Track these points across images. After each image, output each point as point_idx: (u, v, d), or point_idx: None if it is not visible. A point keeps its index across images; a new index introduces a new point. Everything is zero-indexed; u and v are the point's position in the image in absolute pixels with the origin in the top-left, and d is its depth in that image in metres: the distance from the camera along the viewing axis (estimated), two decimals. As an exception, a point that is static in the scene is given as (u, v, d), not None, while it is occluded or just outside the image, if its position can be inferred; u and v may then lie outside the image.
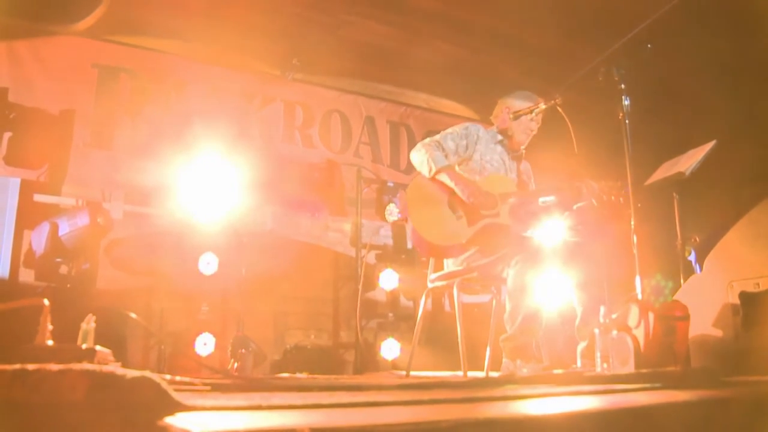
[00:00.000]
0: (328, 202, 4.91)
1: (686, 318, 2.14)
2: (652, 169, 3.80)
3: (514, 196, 2.96)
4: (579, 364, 2.62)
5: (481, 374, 2.74)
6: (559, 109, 2.90)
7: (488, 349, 2.77)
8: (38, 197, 4.02)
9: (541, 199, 3.05)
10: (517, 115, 3.04)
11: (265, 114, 4.86)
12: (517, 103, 3.09)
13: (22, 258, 3.74)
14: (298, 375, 3.42)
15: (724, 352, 2.60)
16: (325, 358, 4.37)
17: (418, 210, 2.94)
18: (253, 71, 4.85)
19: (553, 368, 2.69)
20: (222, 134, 4.38)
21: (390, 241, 4.86)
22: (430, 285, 3.12)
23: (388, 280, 4.54)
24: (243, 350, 3.68)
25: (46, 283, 3.40)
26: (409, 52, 4.66)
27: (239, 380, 2.06)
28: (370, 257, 4.67)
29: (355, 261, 4.57)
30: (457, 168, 3.02)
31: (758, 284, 2.58)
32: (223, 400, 1.12)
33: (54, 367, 0.86)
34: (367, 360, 4.32)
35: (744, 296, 2.62)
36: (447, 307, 4.65)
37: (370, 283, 4.54)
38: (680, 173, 3.48)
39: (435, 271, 3.13)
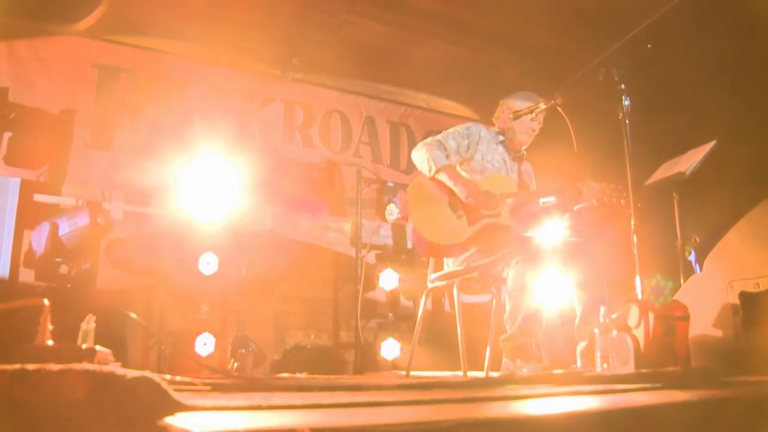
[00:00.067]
0: (328, 202, 4.91)
1: (686, 318, 2.14)
2: (652, 169, 3.80)
3: (515, 196, 2.96)
4: (579, 364, 2.62)
5: (481, 374, 2.74)
6: (559, 109, 2.90)
7: (488, 349, 2.77)
8: (38, 197, 4.02)
9: (541, 200, 3.05)
10: (517, 115, 3.04)
11: (265, 114, 4.86)
12: (518, 104, 3.09)
13: (22, 258, 3.74)
14: (298, 375, 3.42)
15: (724, 352, 2.60)
16: (325, 358, 4.37)
17: (418, 209, 2.95)
18: (253, 71, 4.85)
19: (553, 368, 2.69)
20: (222, 134, 4.39)
21: (390, 241, 4.86)
22: (430, 285, 3.12)
23: (388, 280, 4.54)
24: (243, 350, 3.68)
25: (46, 283, 3.40)
26: (409, 52, 4.66)
27: (239, 380, 2.06)
28: (370, 257, 4.67)
29: (355, 261, 4.57)
30: (458, 168, 3.02)
31: (758, 284, 2.58)
32: (223, 400, 1.12)
33: (54, 367, 0.86)
34: (367, 360, 4.32)
35: (744, 296, 2.62)
36: (447, 307, 4.65)
37: (370, 283, 4.55)
38: (680, 173, 3.49)
39: (435, 271, 3.13)
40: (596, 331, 2.19)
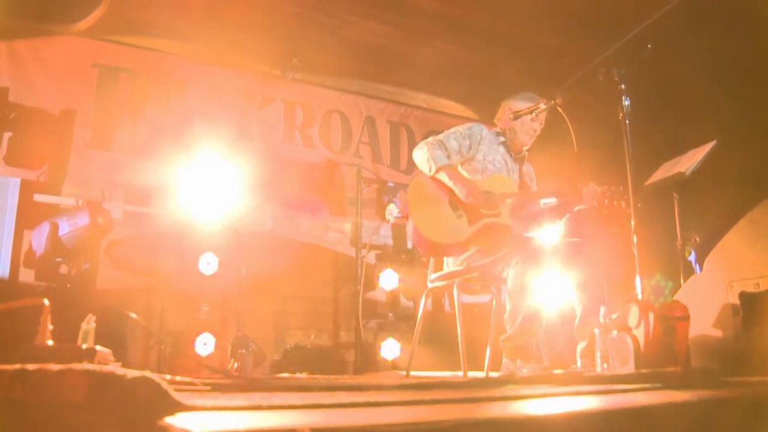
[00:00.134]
0: (328, 202, 4.91)
1: (686, 318, 2.14)
2: (652, 169, 3.80)
3: (516, 196, 2.96)
4: (579, 364, 2.62)
5: (481, 374, 2.74)
6: (559, 110, 2.90)
7: (488, 349, 2.77)
8: (38, 197, 4.03)
9: (542, 201, 3.05)
10: (517, 115, 3.04)
11: (265, 114, 4.86)
12: (518, 104, 3.09)
13: (22, 258, 3.74)
14: (298, 375, 3.42)
15: (724, 353, 2.60)
16: (325, 358, 4.37)
17: (418, 208, 2.95)
18: (253, 71, 4.85)
19: (553, 368, 2.69)
20: (222, 134, 4.39)
21: (390, 241, 4.86)
22: (430, 285, 3.12)
23: (388, 280, 4.54)
24: (243, 350, 3.68)
25: (46, 283, 3.40)
26: (409, 52, 4.66)
27: (239, 380, 2.06)
28: (370, 257, 4.67)
29: (355, 261, 4.57)
30: (459, 167, 3.02)
31: (758, 284, 2.58)
32: (223, 400, 1.12)
33: (54, 367, 0.86)
34: (367, 360, 4.32)
35: (744, 296, 2.63)
36: (447, 307, 4.65)
37: (370, 283, 4.55)
38: (680, 173, 3.49)
39: (435, 271, 3.13)
40: (596, 331, 2.19)
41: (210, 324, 3.90)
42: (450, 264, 3.06)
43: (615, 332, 2.12)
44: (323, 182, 4.92)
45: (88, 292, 3.48)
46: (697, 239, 3.89)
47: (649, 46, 3.48)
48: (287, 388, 1.65)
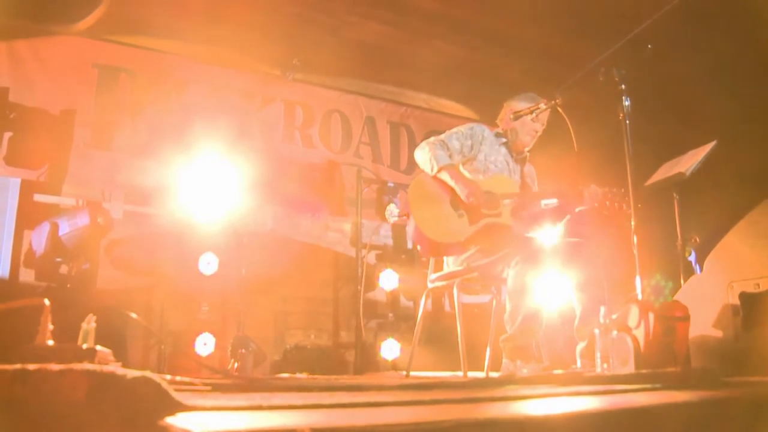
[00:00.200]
0: (328, 202, 4.91)
1: (686, 318, 2.14)
2: (652, 170, 3.80)
3: (516, 197, 2.97)
4: (578, 364, 2.62)
5: (481, 374, 2.74)
6: (559, 110, 2.91)
7: (488, 349, 2.77)
8: (38, 197, 4.02)
9: (543, 202, 3.05)
10: (517, 116, 3.04)
11: (265, 114, 4.86)
12: (519, 105, 3.10)
13: (22, 258, 3.73)
14: (298, 375, 3.42)
15: (724, 353, 2.60)
16: (325, 359, 4.37)
17: (420, 207, 2.95)
18: (253, 71, 4.85)
19: (554, 369, 2.69)
20: (222, 134, 4.38)
21: (390, 242, 4.86)
22: (430, 285, 3.12)
23: (388, 280, 4.54)
24: (243, 350, 3.68)
25: (46, 283, 3.39)
26: (409, 52, 4.66)
27: (239, 380, 2.06)
28: (370, 257, 4.67)
29: (355, 261, 4.57)
30: (461, 167, 3.03)
31: (758, 285, 2.58)
32: (223, 400, 1.12)
33: (55, 367, 0.86)
34: (368, 360, 4.32)
35: (744, 297, 2.63)
36: (447, 308, 4.65)
37: (371, 283, 4.55)
38: (681, 173, 3.49)
39: (435, 271, 3.13)
40: (596, 331, 2.19)
41: (210, 324, 3.90)
42: (450, 264, 3.06)
43: (615, 332, 2.12)
44: (323, 182, 4.92)
45: (89, 292, 3.48)
46: (697, 239, 3.89)
47: (649, 46, 3.48)
48: (287, 388, 1.65)
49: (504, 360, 2.72)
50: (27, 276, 3.64)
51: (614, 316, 2.20)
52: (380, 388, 1.77)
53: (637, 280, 2.32)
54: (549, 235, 3.00)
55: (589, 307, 2.66)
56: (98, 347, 1.57)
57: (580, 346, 2.66)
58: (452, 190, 2.90)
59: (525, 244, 2.76)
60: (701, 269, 3.10)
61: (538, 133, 3.14)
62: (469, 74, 4.95)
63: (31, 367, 0.85)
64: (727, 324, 2.64)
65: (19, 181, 4.02)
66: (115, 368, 0.89)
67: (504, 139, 3.17)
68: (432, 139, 3.05)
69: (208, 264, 3.91)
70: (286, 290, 4.76)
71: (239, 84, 4.79)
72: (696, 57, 4.18)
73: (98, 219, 3.38)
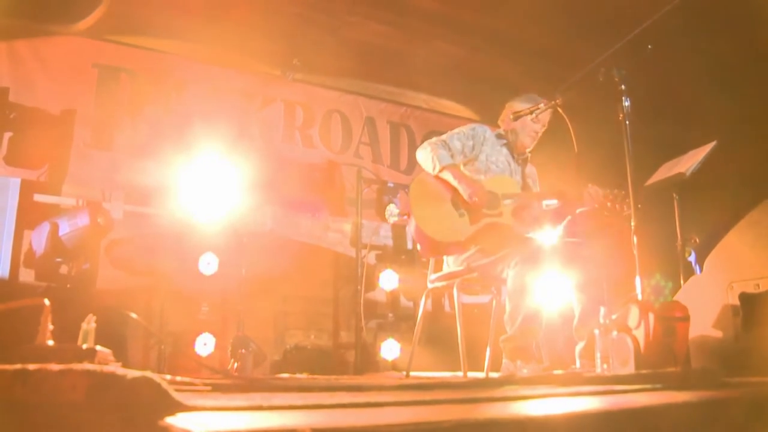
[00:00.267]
0: (328, 202, 4.91)
1: (686, 319, 2.14)
2: (652, 170, 3.80)
3: (518, 197, 2.97)
4: (578, 364, 2.62)
5: (481, 375, 2.74)
6: (560, 110, 2.91)
7: (488, 349, 2.77)
8: (38, 197, 4.02)
9: (544, 203, 3.06)
10: (517, 116, 3.05)
11: (265, 114, 4.86)
12: (520, 105, 3.10)
13: (22, 258, 3.73)
14: (298, 375, 3.42)
15: (724, 353, 2.60)
16: (325, 359, 4.37)
17: (421, 206, 2.95)
18: (253, 71, 4.85)
19: (554, 369, 2.69)
20: (222, 134, 4.39)
21: (390, 242, 4.86)
22: (430, 285, 3.12)
23: (388, 280, 4.54)
24: (243, 350, 3.68)
25: (46, 283, 3.39)
26: (410, 53, 4.66)
27: (240, 380, 2.06)
28: (370, 257, 4.67)
29: (355, 261, 4.57)
30: (462, 167, 3.03)
31: (758, 285, 2.58)
32: (223, 400, 1.12)
33: (55, 367, 0.86)
34: (368, 360, 4.32)
35: (744, 297, 2.63)
36: (447, 308, 4.65)
37: (371, 283, 4.55)
38: (681, 174, 3.49)
39: (435, 271, 3.13)
40: (596, 331, 2.19)
41: (210, 324, 3.90)
42: (450, 264, 3.06)
43: (615, 333, 2.12)
44: (323, 182, 4.92)
45: (89, 292, 3.48)
46: (697, 240, 3.89)
47: (649, 46, 3.49)
48: (287, 388, 1.65)
49: (504, 360, 2.72)
50: (27, 276, 3.64)
51: (614, 317, 2.20)
52: (380, 388, 1.77)
53: (637, 281, 2.32)
54: (549, 235, 3.01)
55: (589, 308, 2.66)
56: (98, 347, 1.56)
57: (579, 346, 2.66)
58: (454, 189, 2.91)
59: (525, 245, 2.76)
60: (701, 269, 3.10)
61: (539, 134, 3.14)
62: (469, 74, 4.95)
63: (32, 367, 0.85)
64: (727, 324, 2.64)
65: (19, 181, 4.02)
66: (116, 368, 0.89)
67: (505, 140, 3.17)
68: (434, 139, 3.06)
69: (208, 264, 3.91)
70: (287, 290, 4.76)
71: (239, 84, 4.79)
72: (696, 57, 4.17)
73: (98, 219, 3.38)
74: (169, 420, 0.81)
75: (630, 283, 2.37)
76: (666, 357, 2.05)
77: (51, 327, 1.58)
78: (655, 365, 2.01)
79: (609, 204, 2.76)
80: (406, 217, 4.46)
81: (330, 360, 4.46)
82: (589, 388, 1.76)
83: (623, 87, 2.49)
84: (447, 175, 2.91)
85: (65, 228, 3.41)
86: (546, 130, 3.16)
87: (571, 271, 2.72)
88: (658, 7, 4.00)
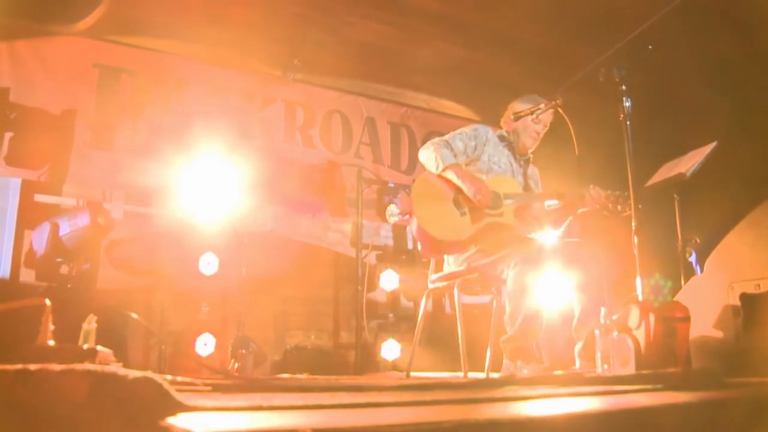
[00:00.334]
0: (328, 202, 4.91)
1: (687, 319, 2.14)
2: (653, 170, 3.80)
3: (520, 197, 2.97)
4: (577, 365, 2.62)
5: (481, 375, 2.74)
6: (560, 110, 2.91)
7: (489, 350, 2.77)
8: (39, 197, 4.03)
9: (546, 203, 3.06)
10: (517, 116, 3.05)
11: (265, 114, 4.86)
12: (522, 106, 3.11)
13: (22, 258, 3.74)
14: (298, 376, 3.42)
15: (724, 354, 2.60)
16: (325, 359, 4.37)
17: (422, 205, 2.95)
18: (253, 71, 4.85)
19: (554, 369, 2.69)
20: (222, 134, 4.38)
21: (390, 242, 4.86)
22: (430, 286, 3.12)
23: (389, 280, 4.54)
24: (243, 350, 3.68)
25: (46, 283, 3.39)
26: (410, 53, 4.66)
27: (240, 381, 2.06)
28: (371, 258, 4.67)
29: (355, 261, 4.57)
30: (464, 167, 3.03)
31: (759, 285, 2.58)
32: (224, 400, 1.12)
33: (56, 367, 0.86)
34: (368, 361, 4.32)
35: (745, 297, 2.63)
36: (447, 308, 4.65)
37: (371, 283, 4.54)
38: (681, 174, 3.49)
39: (436, 272, 3.14)
40: (597, 332, 2.19)
41: (210, 324, 3.90)
42: (450, 264, 3.06)
43: (615, 333, 2.12)
44: (324, 183, 4.92)
45: (89, 292, 3.48)
46: (698, 240, 3.89)
47: (649, 46, 3.49)
48: (288, 388, 1.65)
49: (504, 361, 2.72)
50: (27, 276, 3.64)
51: (615, 317, 2.20)
52: (381, 388, 1.77)
53: (638, 281, 2.32)
54: (549, 235, 3.01)
55: (588, 308, 2.66)
56: (99, 347, 1.57)
57: (578, 346, 2.66)
58: (456, 188, 2.91)
59: (525, 245, 2.76)
60: (702, 270, 3.10)
61: (540, 135, 3.14)
62: (469, 74, 4.94)
63: (33, 367, 0.85)
64: (727, 325, 2.64)
65: (19, 181, 4.02)
66: (117, 369, 0.89)
67: (507, 141, 3.17)
68: (436, 139, 3.06)
69: (209, 264, 3.91)
70: (287, 290, 4.76)
71: (240, 84, 4.79)
72: (696, 57, 4.17)
73: (99, 219, 3.38)
74: (170, 420, 0.81)
75: (630, 283, 2.37)
76: (666, 357, 2.05)
77: (52, 327, 1.58)
78: (655, 366, 2.01)
79: (610, 205, 2.77)
80: (407, 217, 4.47)
81: (330, 360, 4.46)
82: (590, 388, 1.76)
83: (624, 87, 2.49)
84: (450, 175, 2.91)
85: (66, 228, 3.41)
86: (547, 131, 3.17)
87: (571, 272, 2.72)
88: (658, 7, 4.00)
